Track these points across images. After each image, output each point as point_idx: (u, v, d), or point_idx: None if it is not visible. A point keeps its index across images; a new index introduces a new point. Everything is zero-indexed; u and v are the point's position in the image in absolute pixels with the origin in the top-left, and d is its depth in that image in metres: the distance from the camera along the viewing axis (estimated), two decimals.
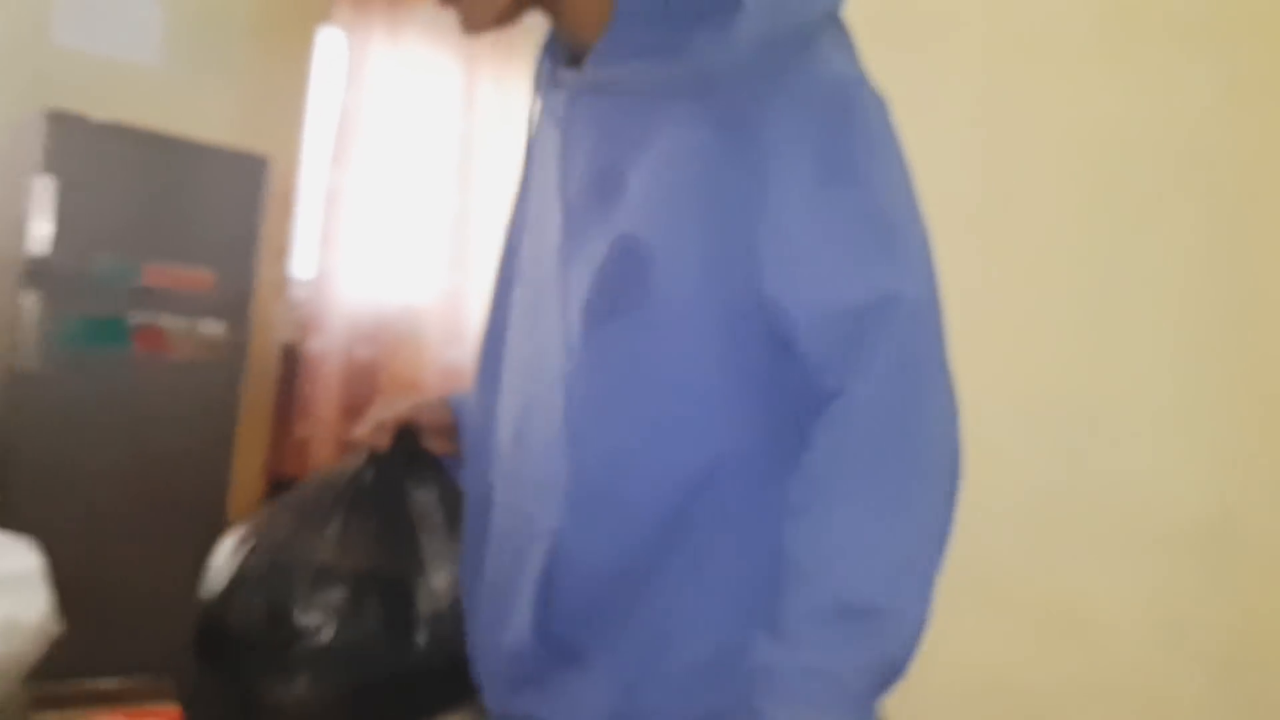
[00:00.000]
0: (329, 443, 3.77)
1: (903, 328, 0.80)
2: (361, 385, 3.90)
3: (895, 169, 0.86)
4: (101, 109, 3.03)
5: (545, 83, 1.01)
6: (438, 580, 1.07)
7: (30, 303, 2.72)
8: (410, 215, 3.99)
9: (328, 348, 3.77)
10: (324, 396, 3.76)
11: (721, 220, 0.84)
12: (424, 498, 1.13)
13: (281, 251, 3.72)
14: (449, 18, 0.95)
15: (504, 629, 0.94)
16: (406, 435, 1.16)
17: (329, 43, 3.84)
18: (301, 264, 3.83)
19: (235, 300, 3.08)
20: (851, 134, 0.84)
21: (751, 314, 0.84)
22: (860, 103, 0.86)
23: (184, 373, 2.99)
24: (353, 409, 3.86)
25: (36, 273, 2.74)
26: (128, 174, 2.88)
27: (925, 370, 0.82)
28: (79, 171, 2.78)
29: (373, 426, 1.18)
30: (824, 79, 0.85)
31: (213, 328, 3.02)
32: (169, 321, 2.96)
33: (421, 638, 1.05)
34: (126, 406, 2.90)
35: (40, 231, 2.72)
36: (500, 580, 0.97)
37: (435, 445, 1.18)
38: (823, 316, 0.81)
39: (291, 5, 3.74)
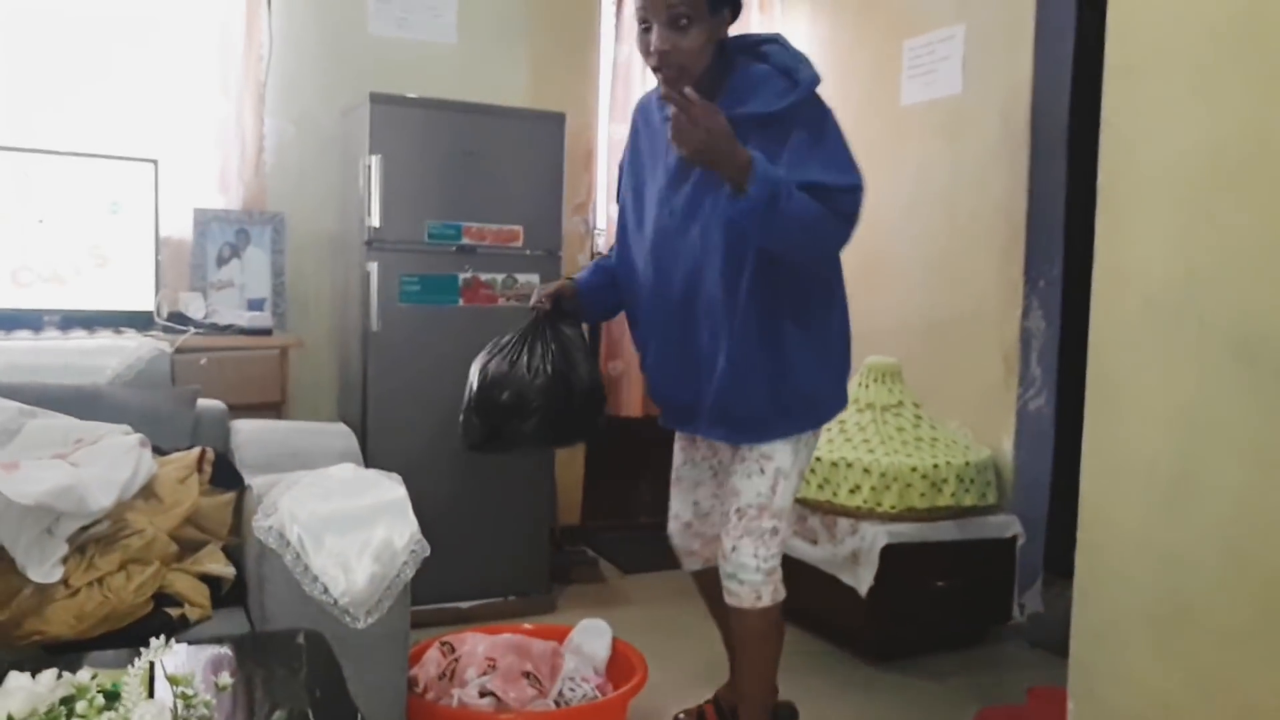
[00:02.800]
0: (636, 379, 3.97)
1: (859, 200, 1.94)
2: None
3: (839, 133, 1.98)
4: (413, 87, 3.34)
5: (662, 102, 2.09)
6: (581, 372, 2.19)
7: (373, 270, 3.07)
8: None
9: None
10: (629, 336, 3.95)
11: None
12: (569, 332, 2.23)
13: (583, 203, 3.94)
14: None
15: (679, 389, 2.19)
16: (556, 300, 2.25)
17: (606, 3, 3.97)
18: (600, 213, 4.03)
19: (545, 251, 3.31)
20: (825, 128, 1.97)
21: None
22: (828, 117, 1.99)
23: (506, 320, 3.25)
24: None
25: (374, 242, 3.08)
26: (441, 143, 3.16)
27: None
28: (400, 145, 3.09)
29: (538, 297, 2.26)
30: (817, 109, 1.99)
31: (527, 278, 3.27)
32: (488, 275, 3.24)
33: (576, 400, 2.17)
34: (460, 354, 3.20)
35: (374, 205, 3.06)
36: (674, 365, 2.18)
37: (567, 305, 2.27)
38: (837, 184, 1.93)
39: None
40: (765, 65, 1.99)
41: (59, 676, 1.11)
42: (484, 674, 2.22)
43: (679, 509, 2.36)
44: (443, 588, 3.04)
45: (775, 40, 2.06)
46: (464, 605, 3.16)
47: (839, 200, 1.91)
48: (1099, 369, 2.37)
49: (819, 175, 1.89)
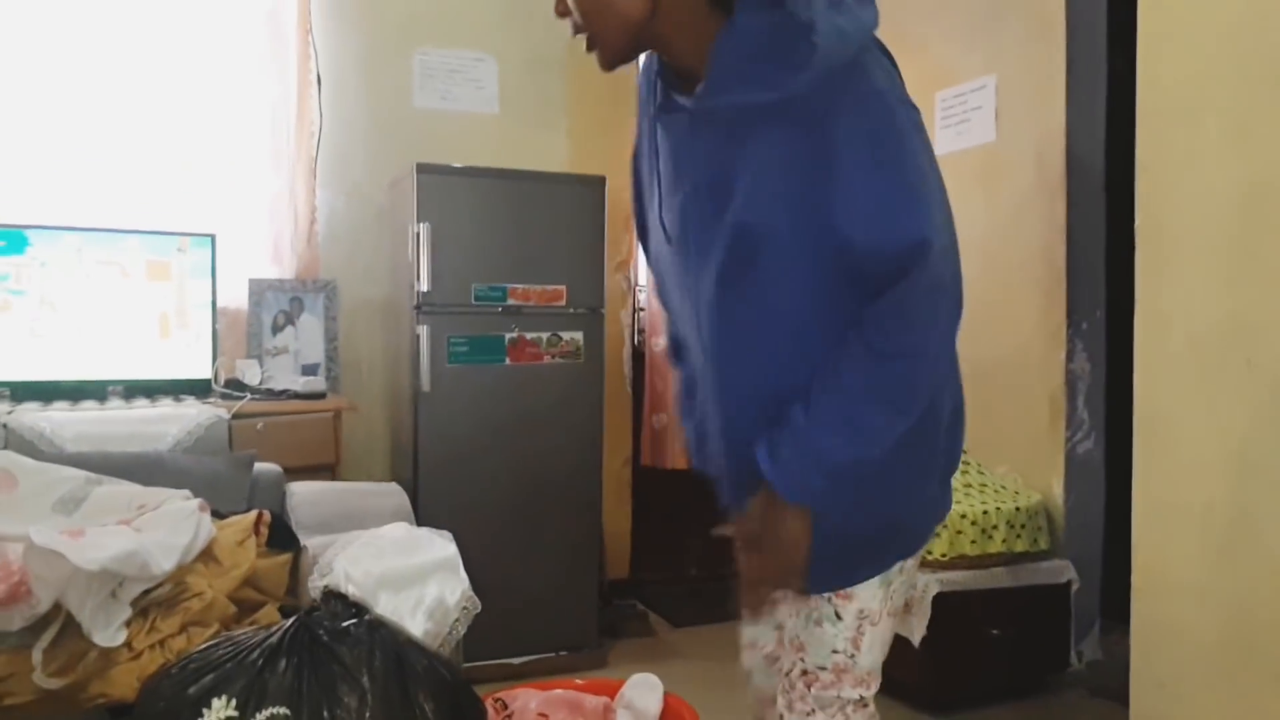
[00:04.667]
0: (680, 431, 3.98)
1: (933, 262, 1.23)
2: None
3: (921, 154, 1.25)
4: (457, 157, 3.45)
5: (659, 103, 1.38)
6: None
7: (423, 333, 3.16)
8: None
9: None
10: (672, 389, 3.98)
11: (801, 195, 1.23)
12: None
13: (624, 260, 4.01)
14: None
15: (710, 455, 1.50)
16: None
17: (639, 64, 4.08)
18: (639, 271, 4.09)
19: (588, 309, 3.37)
20: (892, 131, 1.22)
21: (827, 254, 1.25)
22: (894, 109, 1.23)
23: (552, 378, 3.32)
24: None
25: (423, 306, 3.17)
26: (485, 209, 3.25)
27: (945, 291, 1.27)
28: (446, 212, 3.19)
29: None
30: (870, 92, 1.22)
31: (571, 335, 3.33)
32: (534, 334, 3.30)
33: None
34: (507, 411, 3.27)
35: (423, 270, 3.15)
36: (706, 427, 1.50)
37: None
38: (879, 247, 1.22)
39: None
40: (780, 12, 1.21)
41: None
42: None
43: (756, 633, 1.63)
44: (494, 644, 3.05)
45: None
46: (515, 661, 3.17)
47: (895, 281, 1.23)
48: (1146, 411, 2.36)
49: (856, 232, 1.22)
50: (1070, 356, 3.13)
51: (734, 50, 1.22)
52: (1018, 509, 3.00)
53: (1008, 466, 3.28)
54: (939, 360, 1.31)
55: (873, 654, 1.45)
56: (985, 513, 2.95)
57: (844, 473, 1.28)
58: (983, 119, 3.41)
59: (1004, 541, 2.96)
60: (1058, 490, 3.15)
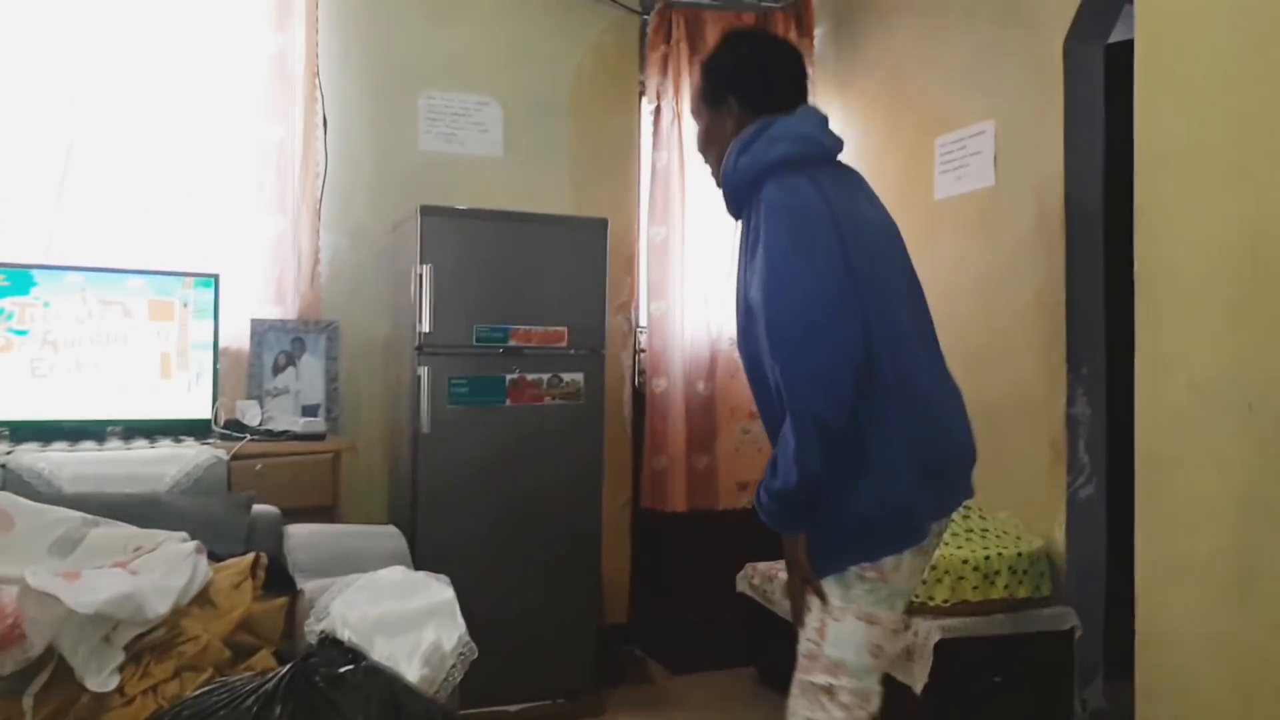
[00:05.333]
0: (681, 473, 3.98)
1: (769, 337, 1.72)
2: (703, 418, 4.08)
3: (783, 241, 1.73)
4: (461, 199, 3.47)
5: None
6: None
7: (424, 374, 3.16)
8: (732, 255, 4.15)
9: (670, 387, 4.00)
10: (673, 431, 3.99)
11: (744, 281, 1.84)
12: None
13: (625, 302, 4.02)
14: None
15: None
16: None
17: (645, 113, 4.14)
18: (642, 312, 4.11)
19: (589, 350, 3.38)
20: (768, 228, 1.75)
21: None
22: (771, 212, 1.76)
23: (552, 419, 3.32)
24: (697, 440, 4.06)
25: (424, 347, 3.17)
26: (488, 250, 3.27)
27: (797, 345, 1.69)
28: (449, 254, 3.20)
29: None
30: (762, 199, 1.79)
31: (572, 377, 3.33)
32: (535, 374, 3.31)
33: None
34: (507, 452, 3.26)
35: (424, 311, 3.16)
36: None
37: None
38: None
39: (606, 86, 4.07)
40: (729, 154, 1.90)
41: None
42: None
43: None
44: (491, 691, 3.02)
45: (762, 123, 1.87)
46: (512, 709, 3.14)
47: (768, 343, 1.72)
48: (1147, 456, 2.35)
49: (755, 295, 1.75)
50: (1070, 401, 3.12)
51: (728, 184, 1.92)
52: (1020, 554, 2.98)
53: (1009, 511, 3.26)
54: (824, 407, 1.66)
55: (839, 649, 1.72)
56: (987, 558, 2.93)
57: (775, 499, 1.74)
58: (981, 164, 3.43)
59: (1006, 587, 2.94)
60: (1059, 535, 3.13)
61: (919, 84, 3.77)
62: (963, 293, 3.53)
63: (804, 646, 1.75)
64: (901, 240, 2.01)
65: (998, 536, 3.05)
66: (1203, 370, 2.21)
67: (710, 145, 1.99)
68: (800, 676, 1.74)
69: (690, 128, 4.05)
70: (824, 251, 1.70)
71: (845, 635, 1.71)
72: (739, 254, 1.88)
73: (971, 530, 3.05)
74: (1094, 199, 3.14)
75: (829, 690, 1.70)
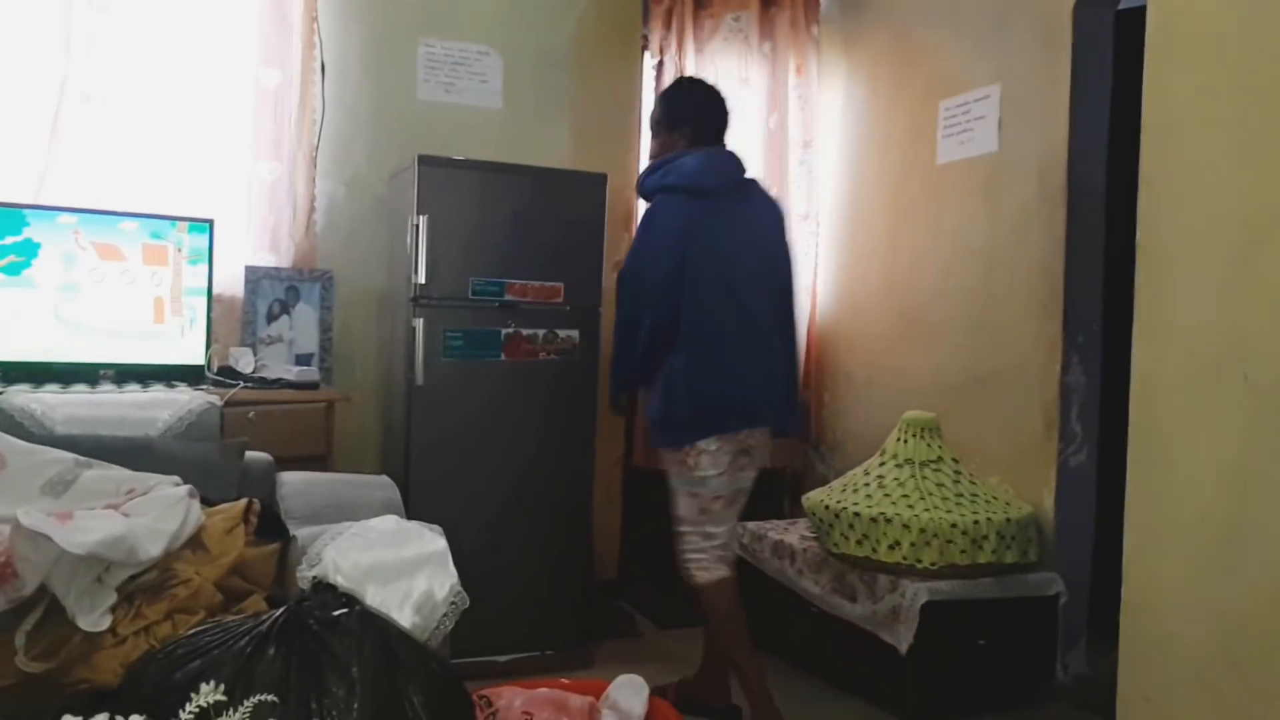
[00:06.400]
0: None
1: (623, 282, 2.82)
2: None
3: (651, 227, 2.77)
4: (459, 151, 3.44)
5: None
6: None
7: (419, 326, 3.14)
8: None
9: None
10: None
11: None
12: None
13: (621, 260, 3.99)
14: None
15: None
16: None
17: (647, 68, 4.09)
18: None
19: (585, 306, 3.36)
20: (642, 223, 2.82)
21: None
22: (646, 216, 2.81)
23: (546, 375, 3.32)
24: None
25: (420, 299, 3.16)
26: (485, 203, 3.24)
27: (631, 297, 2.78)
28: (446, 205, 3.17)
29: None
30: (653, 202, 2.82)
31: (568, 333, 3.32)
32: (530, 330, 3.29)
33: None
34: (501, 407, 3.26)
35: (420, 263, 3.13)
36: None
37: None
38: None
39: (608, 39, 4.02)
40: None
41: (111, 719, 1.14)
42: None
43: None
44: (480, 641, 3.04)
45: (678, 154, 2.81)
46: (501, 659, 3.16)
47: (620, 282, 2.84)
48: (1141, 424, 2.36)
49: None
50: (1066, 369, 3.13)
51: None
52: (1008, 520, 3.00)
53: (1000, 477, 3.28)
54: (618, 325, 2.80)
55: (681, 510, 2.78)
56: (976, 523, 2.95)
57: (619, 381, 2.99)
58: (985, 129, 3.41)
59: (994, 552, 2.96)
60: (1049, 502, 3.15)
61: (925, 45, 3.73)
62: (963, 259, 3.52)
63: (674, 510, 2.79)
64: (774, 254, 2.87)
65: (987, 502, 3.07)
66: (1201, 340, 2.21)
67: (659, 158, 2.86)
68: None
69: None
70: (662, 247, 2.70)
71: (682, 503, 2.76)
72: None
73: (961, 495, 3.07)
74: (1098, 167, 3.13)
75: (682, 534, 2.77)
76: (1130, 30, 2.68)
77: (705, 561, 2.74)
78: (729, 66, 4.14)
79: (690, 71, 4.01)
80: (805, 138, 4.22)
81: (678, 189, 2.72)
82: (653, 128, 2.92)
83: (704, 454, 2.69)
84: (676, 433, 2.71)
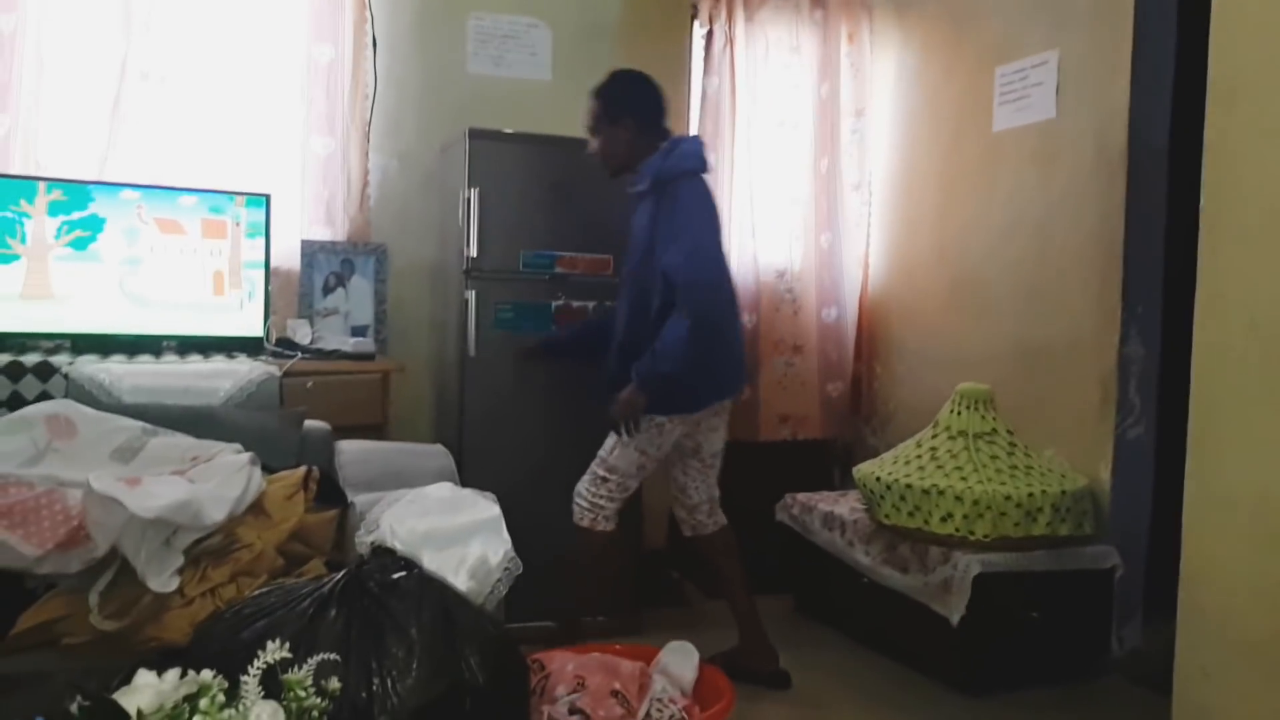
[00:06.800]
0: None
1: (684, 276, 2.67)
2: (747, 350, 4.07)
3: (699, 213, 2.76)
4: (508, 123, 3.45)
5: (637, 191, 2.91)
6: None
7: (471, 298, 3.18)
8: (779, 186, 4.11)
9: None
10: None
11: (653, 239, 2.79)
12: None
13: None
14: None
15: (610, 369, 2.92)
16: None
17: (695, 36, 4.06)
18: None
19: None
20: (679, 204, 2.74)
21: (659, 271, 2.75)
22: (684, 193, 2.75)
23: None
24: None
25: (472, 271, 3.19)
26: (535, 175, 3.26)
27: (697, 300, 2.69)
28: (496, 178, 3.19)
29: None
30: (680, 186, 2.76)
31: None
32: (580, 302, 3.31)
33: None
34: (551, 378, 3.29)
35: (472, 236, 3.16)
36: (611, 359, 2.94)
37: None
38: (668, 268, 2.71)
39: (656, 9, 4.00)
40: (655, 155, 2.82)
41: (183, 675, 1.19)
42: (573, 692, 2.25)
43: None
44: (533, 607, 3.08)
45: (673, 140, 2.85)
46: (553, 624, 3.21)
47: (679, 292, 2.67)
48: (1203, 397, 2.31)
49: (666, 258, 2.70)
50: (1124, 340, 3.07)
51: (644, 167, 2.84)
52: (1063, 492, 2.97)
53: (1055, 449, 3.24)
54: (700, 327, 2.66)
55: (619, 460, 2.83)
56: (1030, 495, 2.92)
57: (651, 374, 2.69)
58: (1043, 95, 3.34)
59: (1048, 525, 2.93)
60: (1105, 475, 3.11)
61: (981, 10, 3.66)
62: (1018, 228, 3.47)
63: (601, 453, 2.85)
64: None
65: (1042, 474, 3.04)
66: (1265, 310, 2.16)
67: (608, 154, 2.90)
68: (592, 468, 2.86)
69: (745, 53, 4.00)
70: (718, 237, 2.81)
71: (624, 455, 2.81)
72: (644, 218, 2.85)
73: (1015, 467, 3.04)
74: (1160, 134, 3.05)
75: (604, 479, 2.85)
76: None
77: (609, 511, 2.86)
78: (779, 34, 4.09)
79: (740, 41, 3.97)
80: (858, 106, 4.17)
81: (696, 173, 2.79)
82: (592, 126, 2.92)
83: (687, 421, 2.83)
84: (683, 399, 2.78)
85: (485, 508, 2.06)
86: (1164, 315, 3.09)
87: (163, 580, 1.87)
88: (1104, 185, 3.11)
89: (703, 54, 4.02)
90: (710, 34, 3.99)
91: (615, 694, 2.25)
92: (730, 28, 3.97)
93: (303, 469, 2.26)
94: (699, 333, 2.65)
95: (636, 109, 2.88)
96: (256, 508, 2.11)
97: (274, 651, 1.16)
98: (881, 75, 4.16)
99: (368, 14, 3.54)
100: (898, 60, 4.10)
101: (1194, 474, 2.32)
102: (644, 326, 2.78)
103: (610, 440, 2.83)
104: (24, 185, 2.94)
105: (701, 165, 2.81)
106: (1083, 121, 3.20)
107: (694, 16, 4.06)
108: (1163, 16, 3.03)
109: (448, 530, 1.97)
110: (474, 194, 3.15)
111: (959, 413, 3.18)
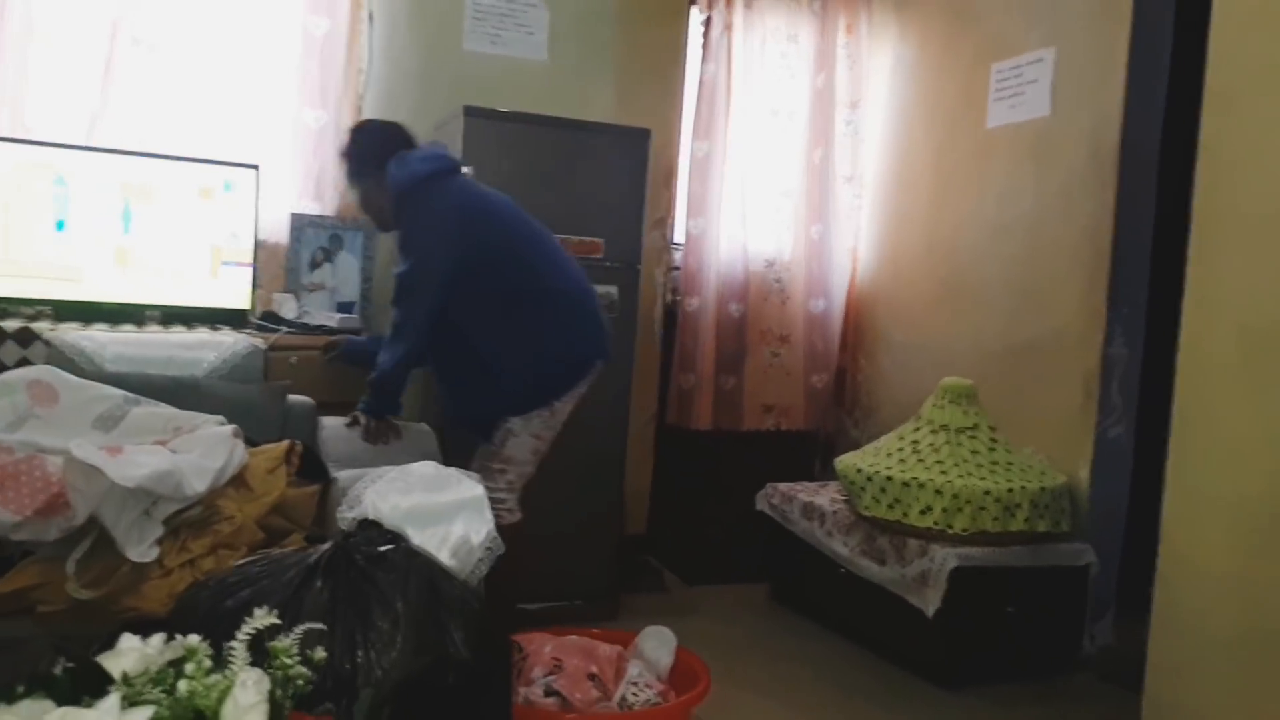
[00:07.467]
0: (708, 392, 4.00)
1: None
2: (734, 339, 4.09)
3: (425, 222, 2.63)
4: (503, 103, 3.43)
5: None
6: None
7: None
8: (771, 176, 4.11)
9: (703, 306, 3.99)
10: (702, 351, 4.00)
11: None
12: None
13: (662, 218, 3.99)
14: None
15: None
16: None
17: (693, 22, 4.05)
18: (678, 229, 4.08)
19: (624, 263, 3.36)
20: (415, 215, 2.64)
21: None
22: (420, 200, 2.64)
23: None
24: (726, 361, 4.07)
25: None
26: (529, 155, 3.24)
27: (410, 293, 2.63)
28: (490, 157, 3.18)
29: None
30: (420, 200, 2.64)
31: (606, 289, 3.32)
32: None
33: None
34: None
35: None
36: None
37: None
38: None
39: None
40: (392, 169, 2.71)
41: (168, 640, 1.18)
42: (550, 674, 2.26)
43: None
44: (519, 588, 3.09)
45: (399, 155, 2.71)
46: (531, 607, 3.21)
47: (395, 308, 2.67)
48: (1187, 397, 2.33)
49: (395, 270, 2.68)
50: (1109, 340, 3.10)
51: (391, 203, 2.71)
52: (1042, 489, 2.99)
53: (1035, 446, 3.26)
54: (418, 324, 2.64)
55: (515, 451, 2.75)
56: (1010, 490, 2.94)
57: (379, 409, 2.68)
58: (1038, 93, 3.35)
59: (1026, 520, 2.96)
60: (1084, 473, 3.14)
61: (979, 6, 3.66)
62: (1009, 225, 3.48)
63: (491, 448, 2.74)
64: None
65: (1021, 470, 3.06)
66: (1254, 315, 2.18)
67: (370, 207, 2.82)
68: (485, 464, 2.71)
69: (743, 40, 3.99)
70: None
71: (524, 445, 2.74)
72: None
73: (995, 462, 3.06)
74: (1153, 135, 3.07)
75: (502, 471, 2.73)
76: None
77: (511, 503, 2.76)
78: (777, 23, 4.09)
79: (738, 28, 3.97)
80: (853, 98, 4.17)
81: (435, 176, 2.70)
82: (350, 178, 2.83)
83: (574, 396, 2.81)
84: (564, 378, 2.78)
85: (469, 487, 2.06)
86: (1148, 318, 3.11)
87: (141, 550, 1.86)
88: (1096, 185, 3.13)
89: (700, 40, 4.01)
90: (709, 20, 3.97)
91: (592, 676, 2.26)
92: (729, 14, 3.96)
93: (285, 443, 2.24)
94: (404, 347, 2.62)
95: (383, 156, 2.71)
96: (238, 480, 2.10)
97: (262, 617, 1.16)
98: (877, 68, 4.16)
99: None
100: (894, 53, 4.10)
101: (1175, 474, 2.35)
102: (439, 342, 2.71)
103: (498, 434, 2.72)
104: (8, 148, 2.90)
105: (442, 166, 2.70)
106: (1077, 120, 3.21)
107: (693, 2, 4.05)
108: (1160, 17, 3.04)
109: (431, 508, 1.97)
110: (467, 172, 3.13)
111: (942, 407, 3.20)
